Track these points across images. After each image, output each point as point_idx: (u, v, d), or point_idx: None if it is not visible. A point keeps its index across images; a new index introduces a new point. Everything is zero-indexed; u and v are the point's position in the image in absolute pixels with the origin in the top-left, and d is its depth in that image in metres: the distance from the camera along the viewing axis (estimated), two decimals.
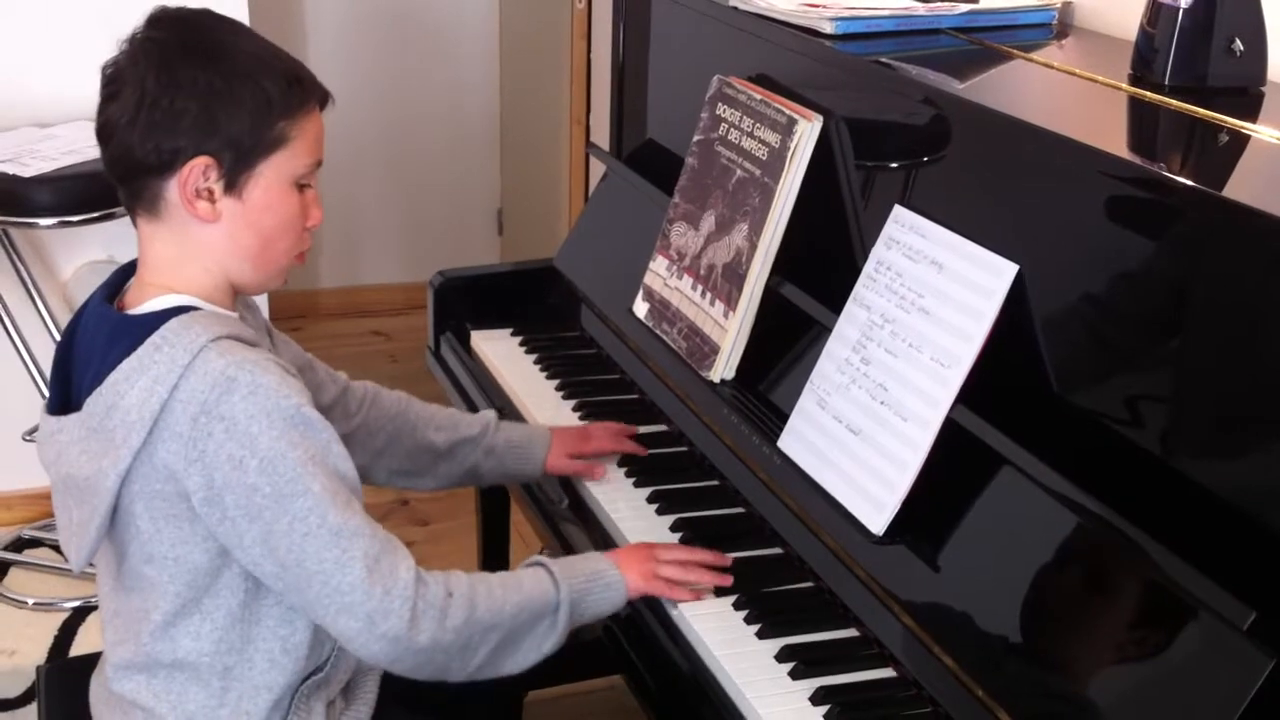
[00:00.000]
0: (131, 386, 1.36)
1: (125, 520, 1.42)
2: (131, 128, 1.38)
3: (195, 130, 1.38)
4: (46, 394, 1.52)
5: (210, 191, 1.41)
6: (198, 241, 1.43)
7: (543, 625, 1.50)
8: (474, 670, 1.47)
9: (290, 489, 1.35)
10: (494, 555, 2.45)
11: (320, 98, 1.47)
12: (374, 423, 1.78)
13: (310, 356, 1.72)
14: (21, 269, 2.88)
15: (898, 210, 1.59)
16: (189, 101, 1.38)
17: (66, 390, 1.46)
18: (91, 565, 1.49)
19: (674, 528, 1.73)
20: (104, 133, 1.42)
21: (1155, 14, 1.60)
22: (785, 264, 1.78)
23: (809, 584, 1.62)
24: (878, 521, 1.48)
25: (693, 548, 1.65)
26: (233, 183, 1.41)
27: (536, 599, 1.49)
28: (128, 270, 1.50)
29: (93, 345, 1.42)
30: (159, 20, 1.43)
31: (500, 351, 2.24)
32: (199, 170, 1.39)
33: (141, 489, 1.39)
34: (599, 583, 1.55)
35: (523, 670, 1.51)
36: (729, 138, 1.88)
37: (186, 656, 1.45)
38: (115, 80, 1.41)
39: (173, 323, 1.38)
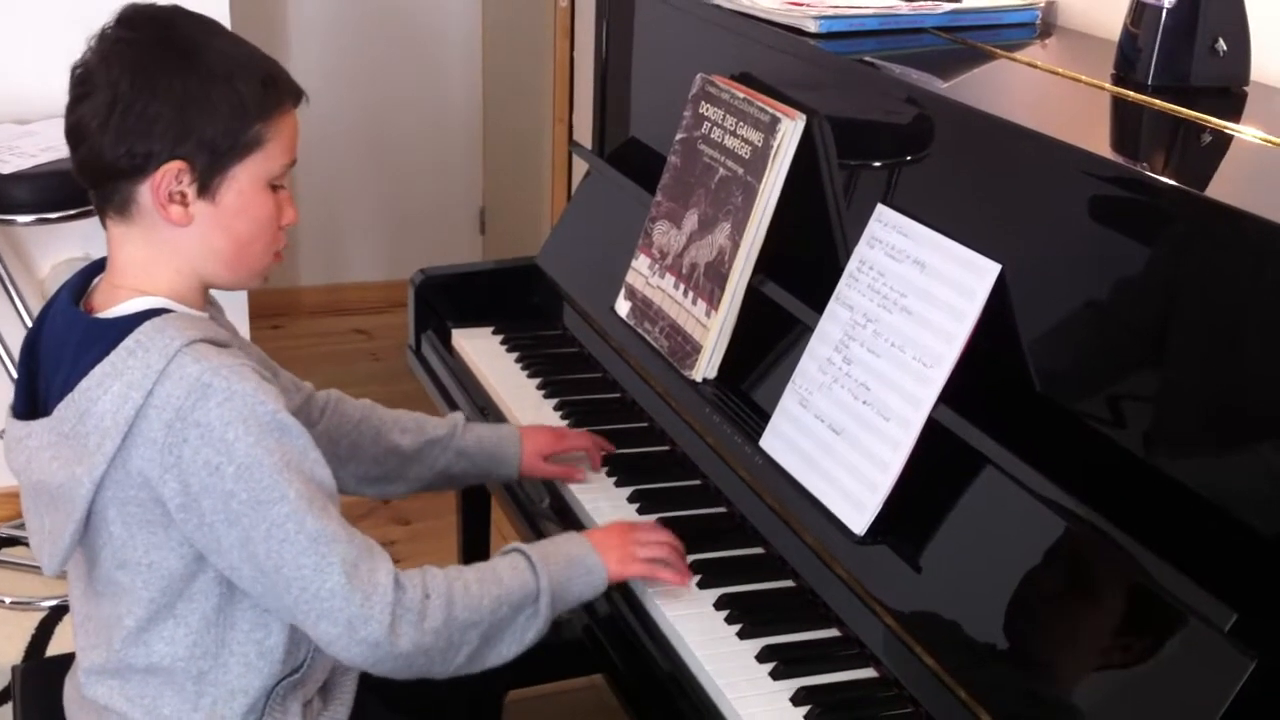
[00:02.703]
0: (105, 392, 1.34)
1: (98, 526, 1.40)
2: (103, 131, 1.36)
3: (169, 134, 1.36)
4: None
5: (183, 195, 1.39)
6: (170, 244, 1.41)
7: (523, 616, 1.48)
8: (457, 668, 1.46)
9: (267, 495, 1.34)
10: (475, 555, 2.43)
11: (294, 96, 1.45)
12: (337, 429, 1.76)
13: (274, 364, 1.70)
14: None
15: (880, 209, 1.58)
16: (163, 105, 1.36)
17: (33, 394, 1.44)
18: (62, 571, 1.47)
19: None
20: (75, 134, 1.40)
21: (1139, 14, 1.60)
22: (768, 263, 1.78)
23: (790, 584, 1.61)
24: (859, 521, 1.48)
25: (669, 533, 1.64)
26: (206, 186, 1.40)
27: (516, 591, 1.47)
28: (91, 271, 1.48)
29: (61, 349, 1.40)
30: (131, 19, 1.40)
31: (482, 350, 2.23)
32: (172, 174, 1.38)
33: (115, 495, 1.37)
34: (579, 568, 1.53)
35: (506, 661, 1.50)
36: (712, 136, 1.87)
37: (160, 661, 1.44)
38: (85, 80, 1.38)
39: (146, 326, 1.36)
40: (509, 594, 1.47)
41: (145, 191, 1.39)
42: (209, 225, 1.41)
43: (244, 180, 1.41)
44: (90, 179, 1.42)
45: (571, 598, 1.53)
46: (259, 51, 1.44)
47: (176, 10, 1.44)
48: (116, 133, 1.36)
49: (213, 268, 1.44)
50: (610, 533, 1.61)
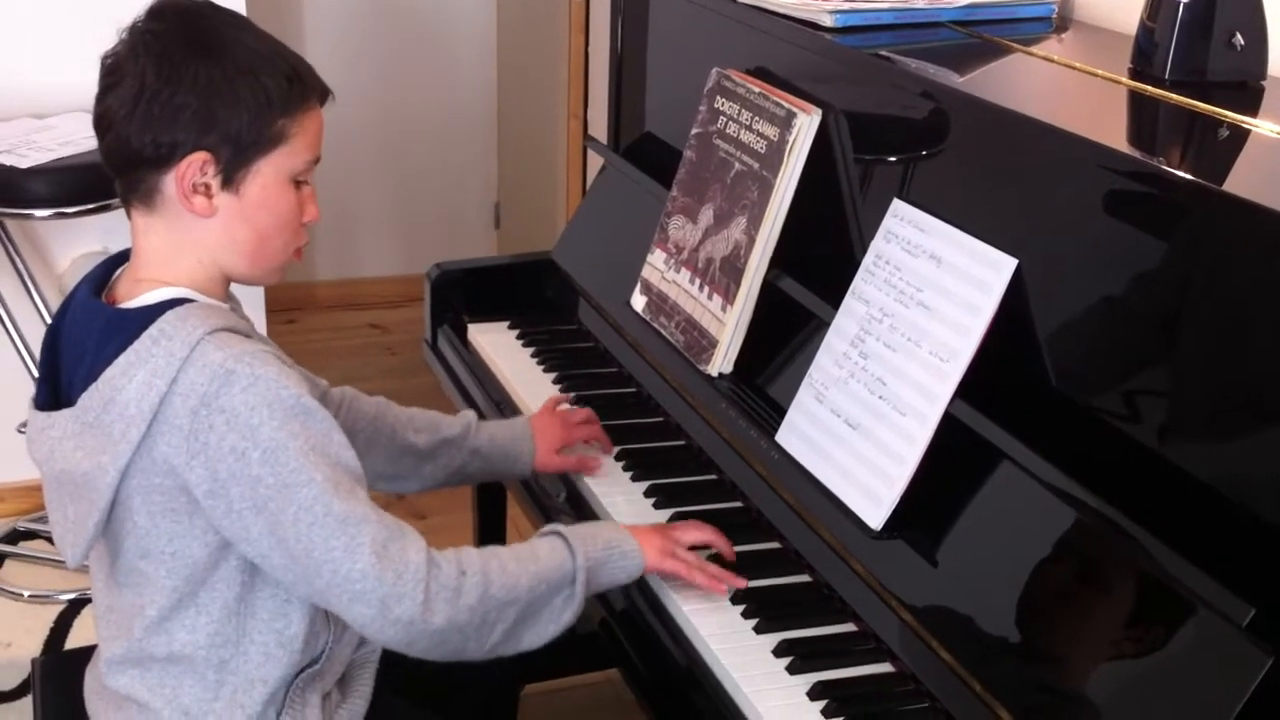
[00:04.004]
0: (129, 381, 1.35)
1: (122, 516, 1.41)
2: (129, 120, 1.38)
3: (194, 125, 1.38)
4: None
5: (207, 186, 1.40)
6: (192, 235, 1.43)
7: (560, 596, 1.49)
8: (492, 647, 1.46)
9: (294, 479, 1.35)
10: None
11: (320, 94, 1.46)
12: (352, 427, 1.76)
13: (290, 360, 1.71)
14: (17, 260, 2.88)
15: (896, 204, 1.58)
16: (189, 96, 1.37)
17: (55, 385, 1.45)
18: (85, 561, 1.48)
19: (671, 522, 1.73)
20: (102, 123, 1.41)
21: (1156, 8, 1.60)
22: (783, 258, 1.78)
23: (806, 578, 1.62)
24: (875, 516, 1.48)
25: (708, 527, 1.63)
26: (230, 178, 1.41)
27: (553, 570, 1.48)
28: (112, 263, 1.50)
29: (84, 340, 1.41)
30: (161, 12, 1.42)
31: (497, 344, 2.23)
32: (196, 165, 1.39)
33: (140, 484, 1.38)
34: (616, 550, 1.54)
35: (544, 642, 1.50)
36: (727, 131, 1.87)
37: (181, 650, 1.45)
38: (115, 71, 1.40)
39: (169, 315, 1.37)
40: (546, 572, 1.47)
41: (170, 181, 1.40)
42: (231, 217, 1.42)
43: (267, 174, 1.42)
44: (116, 168, 1.43)
45: (606, 579, 1.53)
46: (287, 48, 1.45)
47: (206, 4, 1.45)
48: (142, 122, 1.37)
49: (234, 260, 1.45)
50: (653, 528, 1.61)
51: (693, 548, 1.60)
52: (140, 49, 1.38)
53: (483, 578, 1.43)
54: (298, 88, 1.42)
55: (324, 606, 1.43)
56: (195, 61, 1.38)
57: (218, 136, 1.38)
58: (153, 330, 1.36)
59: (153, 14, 1.42)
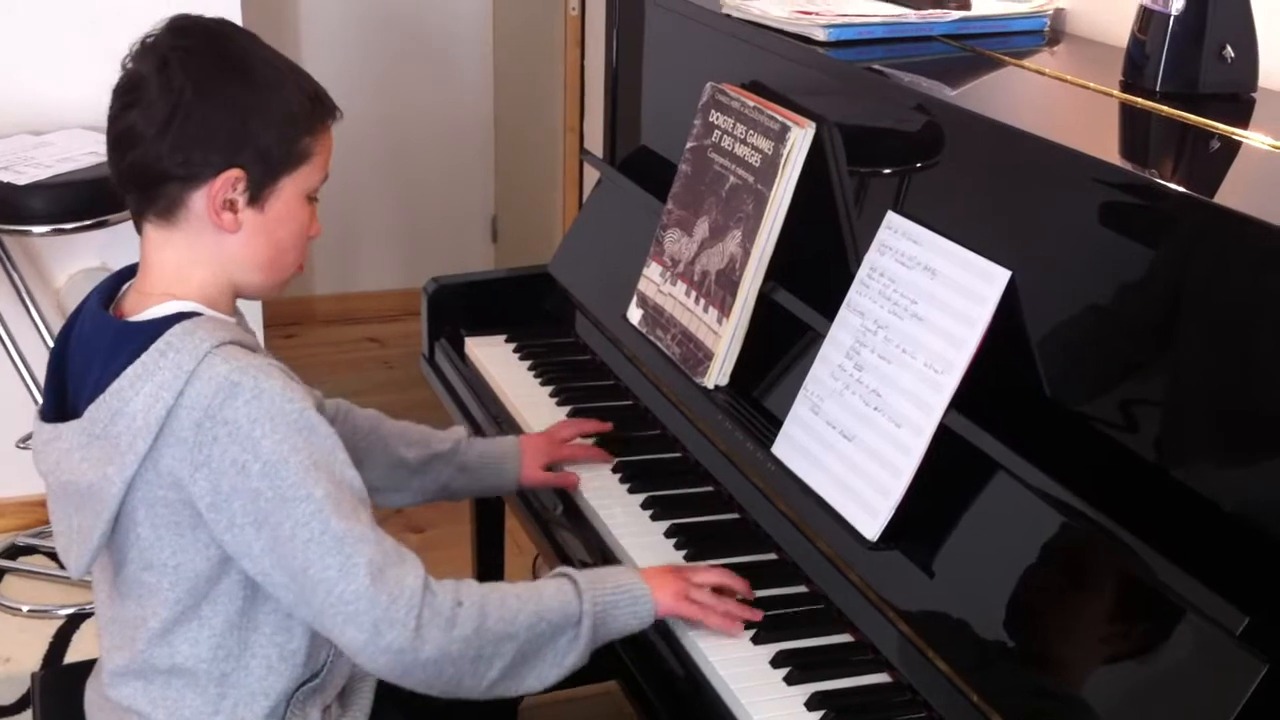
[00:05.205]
0: (137, 393, 1.36)
1: (126, 527, 1.42)
2: (161, 138, 1.38)
3: (229, 143, 1.39)
4: (40, 401, 1.52)
5: (233, 203, 1.42)
6: (211, 250, 1.44)
7: (564, 638, 1.46)
8: (490, 685, 1.44)
9: (293, 493, 1.35)
10: (488, 562, 2.44)
11: (334, 113, 1.49)
12: (347, 440, 1.75)
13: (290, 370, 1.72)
14: (15, 276, 2.88)
15: (891, 216, 1.59)
16: (224, 114, 1.39)
17: (62, 397, 1.46)
18: (88, 571, 1.48)
19: (668, 533, 1.74)
20: (124, 141, 1.41)
21: (1146, 20, 1.61)
22: (779, 270, 1.78)
23: (804, 589, 1.62)
24: (872, 527, 1.49)
25: (724, 571, 1.60)
26: (256, 195, 1.43)
27: (556, 610, 1.45)
28: (121, 276, 1.51)
29: (92, 352, 1.42)
30: (185, 29, 1.43)
31: (495, 357, 2.24)
32: (229, 182, 1.40)
33: (144, 496, 1.39)
34: (626, 595, 1.51)
35: (547, 685, 1.47)
36: (722, 144, 1.88)
37: (184, 663, 1.45)
38: (137, 87, 1.40)
39: (177, 329, 1.38)
40: (548, 611, 1.45)
41: (198, 198, 1.41)
42: (254, 233, 1.44)
43: (289, 191, 1.44)
44: (139, 184, 1.43)
45: (616, 625, 1.50)
46: (300, 67, 1.48)
47: (227, 23, 1.47)
48: (175, 140, 1.38)
49: (249, 273, 1.47)
50: (666, 570, 1.58)
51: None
52: (173, 66, 1.39)
53: (479, 610, 1.41)
54: (319, 107, 1.46)
55: (321, 631, 1.41)
56: (228, 80, 1.39)
57: (250, 154, 1.40)
58: (160, 343, 1.37)
59: (177, 31, 1.42)
